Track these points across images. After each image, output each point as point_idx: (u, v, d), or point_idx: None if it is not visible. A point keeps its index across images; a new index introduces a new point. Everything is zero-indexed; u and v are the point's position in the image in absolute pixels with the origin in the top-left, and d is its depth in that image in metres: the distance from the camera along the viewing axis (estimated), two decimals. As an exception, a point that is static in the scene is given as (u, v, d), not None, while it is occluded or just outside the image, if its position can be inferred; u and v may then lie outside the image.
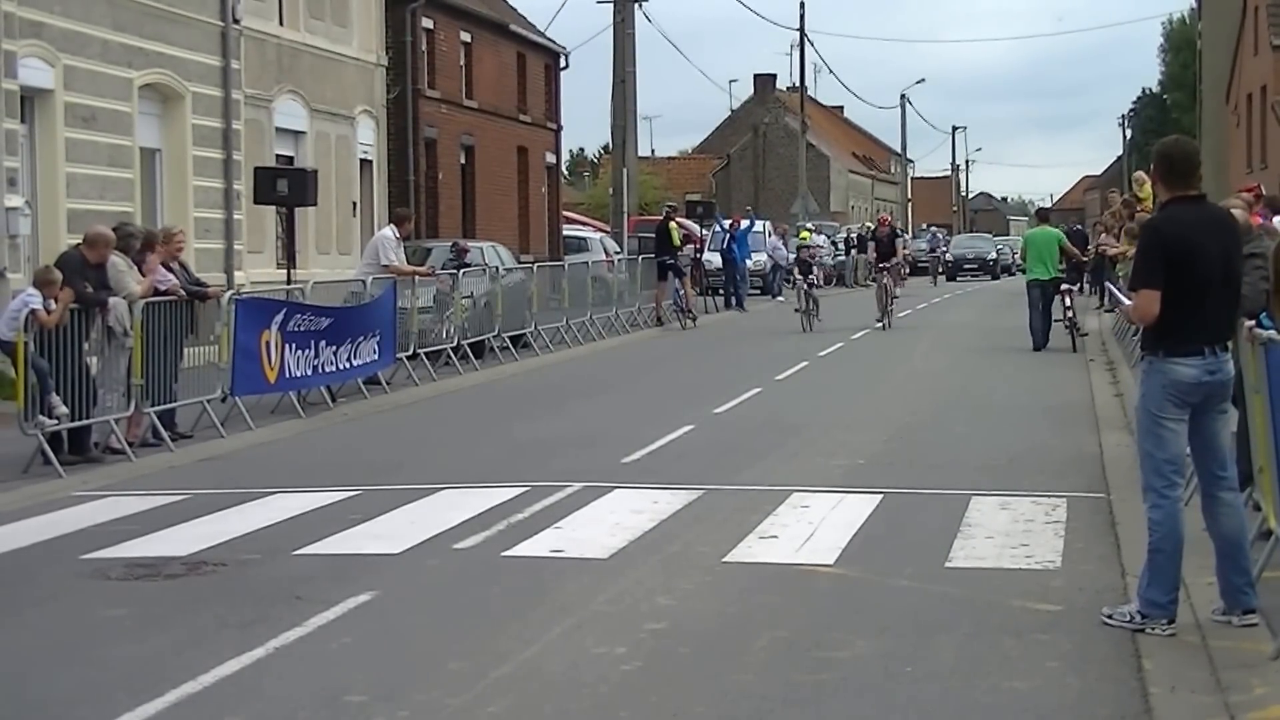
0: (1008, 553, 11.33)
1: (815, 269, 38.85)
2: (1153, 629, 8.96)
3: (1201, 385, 9.02)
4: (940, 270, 71.17)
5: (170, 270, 17.96)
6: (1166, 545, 9.05)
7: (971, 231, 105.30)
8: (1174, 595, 9.08)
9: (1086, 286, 43.43)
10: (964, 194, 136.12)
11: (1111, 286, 9.84)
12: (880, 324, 34.68)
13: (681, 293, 37.22)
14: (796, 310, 35.43)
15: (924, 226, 75.62)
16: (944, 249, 76.90)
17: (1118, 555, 11.15)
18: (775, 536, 12.00)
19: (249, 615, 9.79)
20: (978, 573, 10.75)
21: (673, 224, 37.84)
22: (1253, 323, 9.66)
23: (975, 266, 75.79)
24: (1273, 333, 9.22)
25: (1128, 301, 9.28)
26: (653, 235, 44.74)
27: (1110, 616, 9.18)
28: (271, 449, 17.74)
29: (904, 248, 52.31)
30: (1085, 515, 12.70)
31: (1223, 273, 9.02)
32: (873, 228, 54.83)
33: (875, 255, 37.24)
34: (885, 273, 35.66)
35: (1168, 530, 9.07)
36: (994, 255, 77.79)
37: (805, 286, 35.63)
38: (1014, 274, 72.17)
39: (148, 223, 25.11)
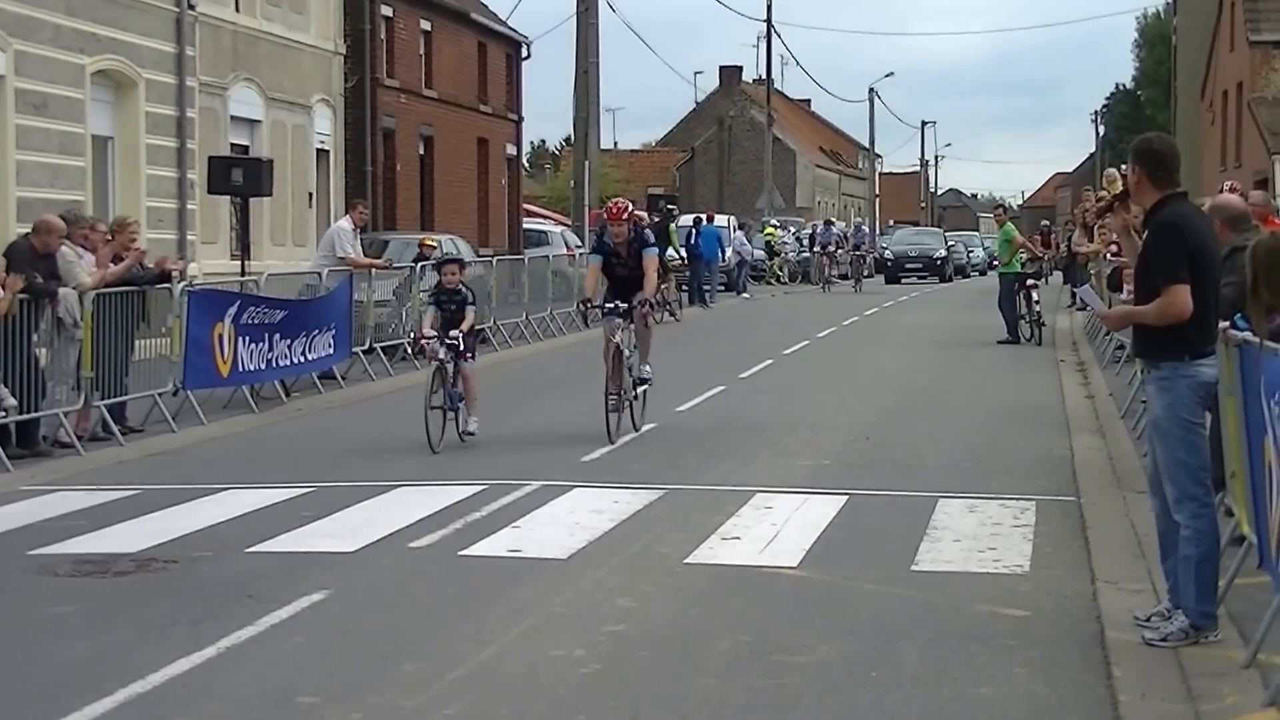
0: (975, 556, 11.22)
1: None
2: (1206, 638, 8.75)
3: (1215, 385, 8.99)
4: (868, 273, 60.50)
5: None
6: (1213, 553, 8.85)
7: (943, 229, 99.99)
8: (1217, 602, 8.93)
9: (1045, 281, 43.63)
10: (933, 190, 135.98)
11: (1086, 292, 9.58)
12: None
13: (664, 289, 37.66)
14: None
15: (828, 221, 60.66)
16: (871, 246, 65.36)
17: (1088, 560, 11.05)
18: (738, 538, 11.85)
19: (199, 614, 9.64)
20: (944, 576, 10.64)
21: (672, 225, 40.03)
22: (1227, 324, 9.55)
23: (919, 267, 64.04)
24: (1248, 334, 9.08)
25: (1103, 308, 9.10)
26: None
27: (1164, 639, 8.77)
28: (224, 444, 17.50)
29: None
30: (1055, 519, 12.59)
31: (1214, 271, 8.96)
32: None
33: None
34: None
35: (1214, 538, 8.88)
36: (943, 253, 65.84)
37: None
38: (970, 275, 71.65)
39: (99, 212, 24.81)
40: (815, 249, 57.32)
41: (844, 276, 57.95)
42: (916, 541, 11.64)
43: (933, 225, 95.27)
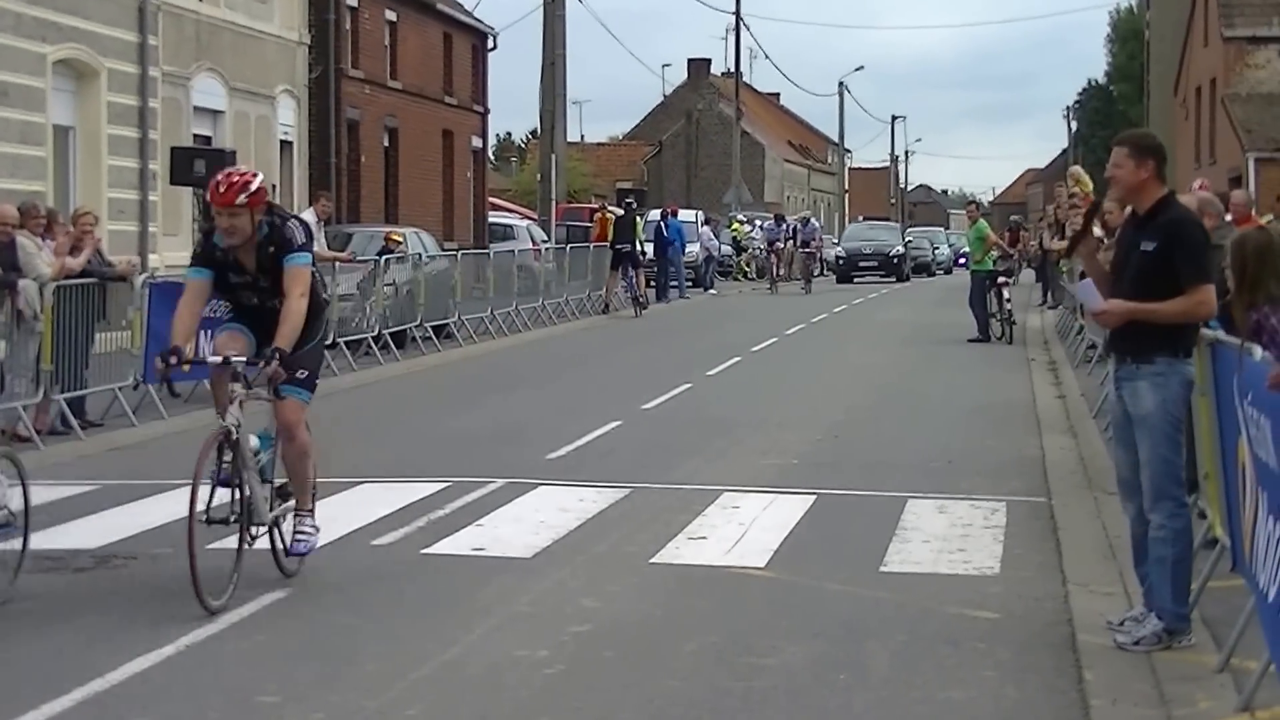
0: (945, 557, 11.13)
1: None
2: (1179, 642, 8.68)
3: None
4: (819, 272, 56.79)
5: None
6: (1189, 555, 8.81)
7: (912, 225, 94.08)
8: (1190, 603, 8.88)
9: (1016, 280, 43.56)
10: (903, 186, 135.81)
11: (1086, 288, 9.36)
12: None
13: (634, 281, 38.25)
14: None
15: (778, 217, 56.91)
16: (822, 243, 59.91)
17: (1059, 562, 10.98)
18: (704, 538, 11.75)
19: (159, 611, 9.52)
20: (913, 578, 10.56)
21: (637, 217, 39.96)
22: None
23: (874, 265, 59.95)
24: (1220, 332, 9.01)
25: (1102, 304, 8.92)
26: (582, 224, 44.49)
27: (1138, 642, 8.68)
28: (185, 439, 17.20)
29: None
30: (1025, 520, 12.50)
31: None
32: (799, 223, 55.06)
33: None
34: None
35: (1190, 539, 8.84)
36: (899, 250, 61.58)
37: None
38: (935, 274, 70.82)
39: (60, 203, 24.61)
40: (763, 247, 55.26)
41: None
42: (885, 542, 11.54)
43: (903, 222, 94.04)
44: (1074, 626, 9.21)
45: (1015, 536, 11.82)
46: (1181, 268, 8.70)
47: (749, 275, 57.56)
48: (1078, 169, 28.02)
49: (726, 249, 57.75)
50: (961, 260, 61.38)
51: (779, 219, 55.59)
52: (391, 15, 44.44)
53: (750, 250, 58.78)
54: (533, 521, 12.23)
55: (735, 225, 59.35)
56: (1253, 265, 8.18)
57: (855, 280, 57.70)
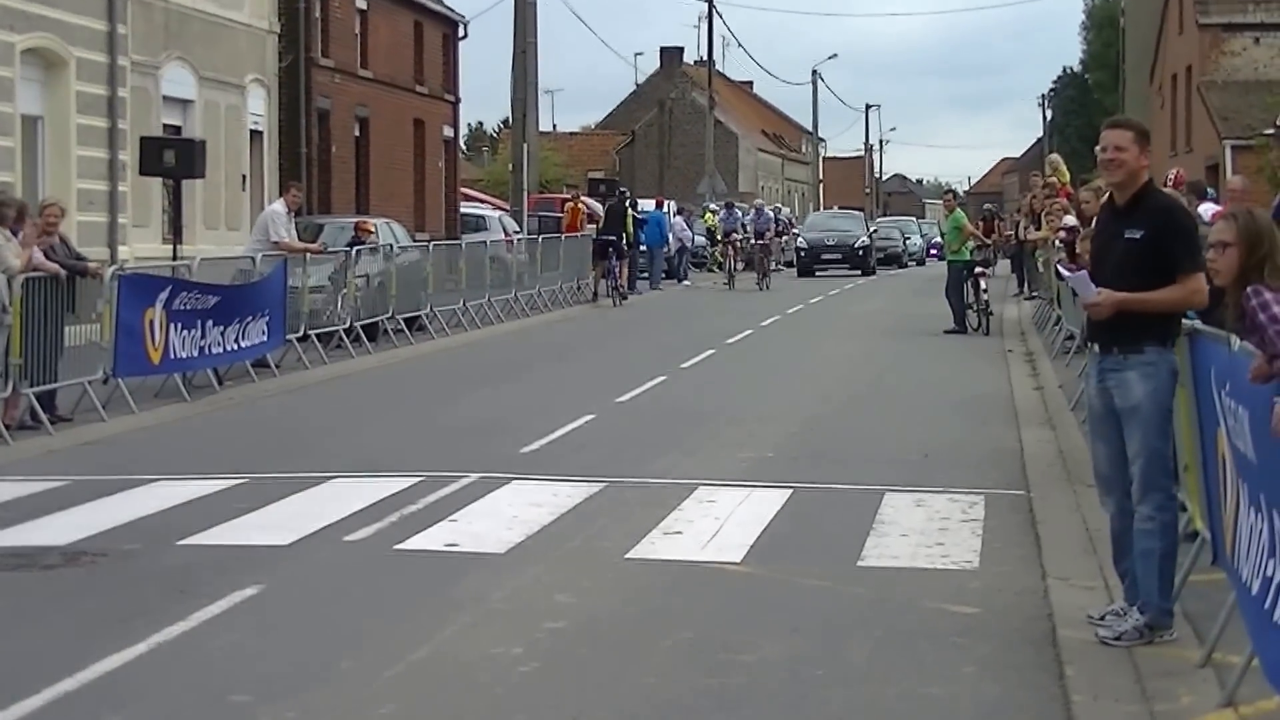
0: (923, 552, 11.05)
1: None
2: (1161, 637, 8.63)
3: None
4: (777, 265, 55.11)
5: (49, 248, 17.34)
6: (1175, 548, 8.74)
7: (888, 215, 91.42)
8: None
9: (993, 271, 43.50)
10: (877, 175, 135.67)
11: (1079, 279, 9.23)
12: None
13: (618, 272, 38.88)
14: None
15: (728, 204, 53.80)
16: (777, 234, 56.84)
17: (1038, 556, 10.91)
18: (680, 532, 11.65)
19: (130, 609, 9.42)
20: (891, 572, 10.48)
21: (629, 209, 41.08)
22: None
23: (838, 258, 56.88)
24: (1198, 322, 8.95)
25: (1095, 294, 8.80)
26: (554, 215, 44.42)
27: (1119, 637, 8.62)
28: (155, 433, 17.17)
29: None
30: (1004, 513, 12.41)
31: None
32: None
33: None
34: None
35: (1176, 532, 8.78)
36: (864, 241, 58.44)
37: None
38: (906, 265, 69.95)
39: (28, 194, 24.39)
40: (720, 239, 53.37)
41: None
42: (863, 536, 11.45)
43: (875, 211, 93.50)
44: (1054, 621, 9.15)
45: (994, 530, 11.73)
46: (1176, 256, 8.61)
47: (722, 267, 57.34)
48: (1056, 157, 27.88)
49: (700, 239, 57.50)
50: (934, 251, 61.24)
51: (729, 206, 53.08)
52: (362, 4, 44.18)
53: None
54: (506, 516, 12.11)
55: (708, 216, 59.14)
56: (1268, 240, 7.97)
57: (818, 274, 54.80)
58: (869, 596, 9.80)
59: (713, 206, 60.57)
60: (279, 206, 23.96)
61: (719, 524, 11.92)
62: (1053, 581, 10.05)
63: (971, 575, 10.37)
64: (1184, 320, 9.08)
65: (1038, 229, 29.20)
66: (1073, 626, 8.93)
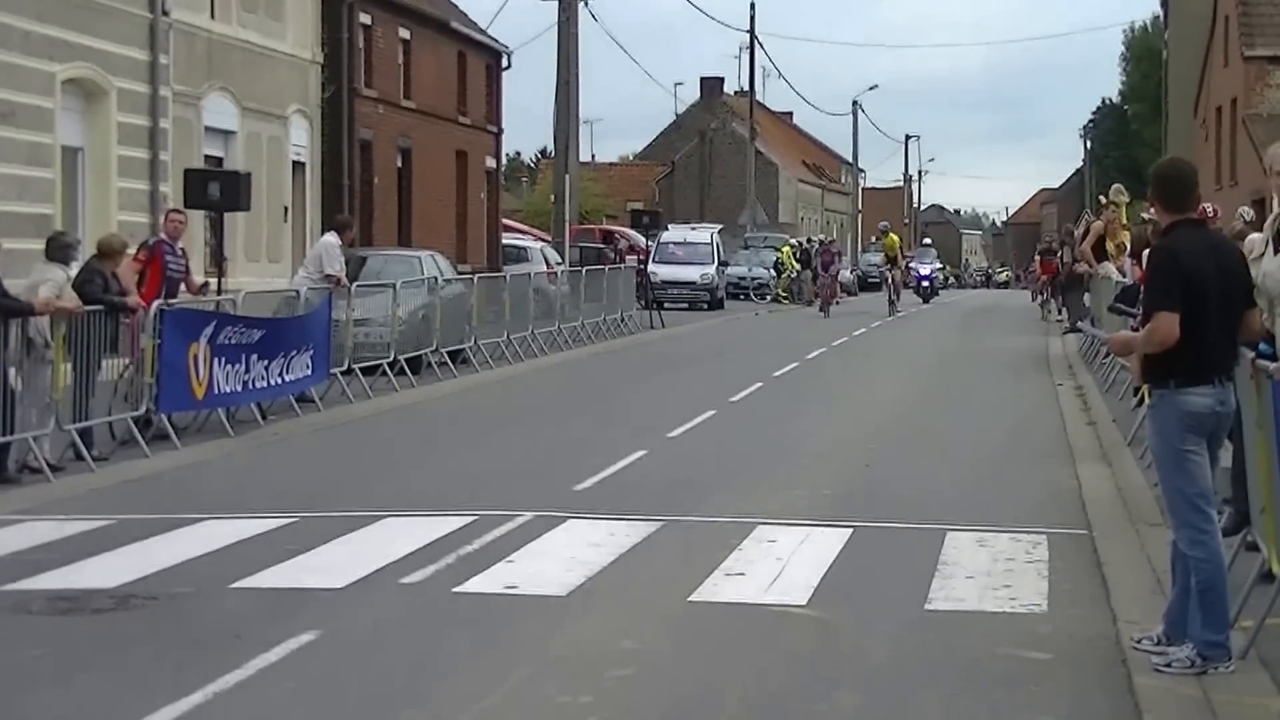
0: (990, 594, 10.79)
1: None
2: (1215, 669, 8.61)
3: (1213, 415, 8.83)
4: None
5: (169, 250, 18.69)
6: (1216, 581, 8.71)
7: (922, 245, 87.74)
8: (1228, 630, 8.78)
9: (1054, 305, 43.22)
10: (916, 206, 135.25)
11: (1090, 327, 9.37)
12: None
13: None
14: None
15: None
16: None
17: (1106, 598, 10.65)
18: (742, 574, 11.39)
19: (183, 656, 9.17)
20: (960, 616, 10.23)
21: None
22: (1253, 354, 9.27)
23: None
24: (1269, 364, 8.82)
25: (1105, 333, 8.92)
26: (594, 245, 44.31)
27: (1169, 665, 8.72)
28: (199, 470, 16.92)
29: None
30: (1068, 554, 12.15)
31: (1224, 300, 8.83)
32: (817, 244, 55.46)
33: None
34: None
35: (1215, 566, 8.73)
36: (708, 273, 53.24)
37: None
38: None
39: (69, 226, 24.29)
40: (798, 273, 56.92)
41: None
42: (928, 578, 11.19)
43: (920, 242, 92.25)
44: (1129, 668, 8.93)
45: (1060, 571, 11.49)
46: (1145, 296, 9.02)
47: (783, 298, 57.31)
48: (1119, 187, 27.51)
49: (762, 270, 58.42)
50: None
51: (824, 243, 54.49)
52: (405, 34, 44.08)
53: (788, 274, 58.31)
54: (564, 557, 11.86)
55: (785, 250, 59.21)
56: None
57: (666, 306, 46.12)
58: (939, 641, 9.55)
59: (791, 241, 61.44)
60: (332, 239, 23.73)
61: (781, 565, 11.66)
62: (1123, 625, 9.80)
63: (1041, 619, 10.14)
64: (1263, 361, 8.96)
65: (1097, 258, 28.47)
66: (1146, 674, 8.74)
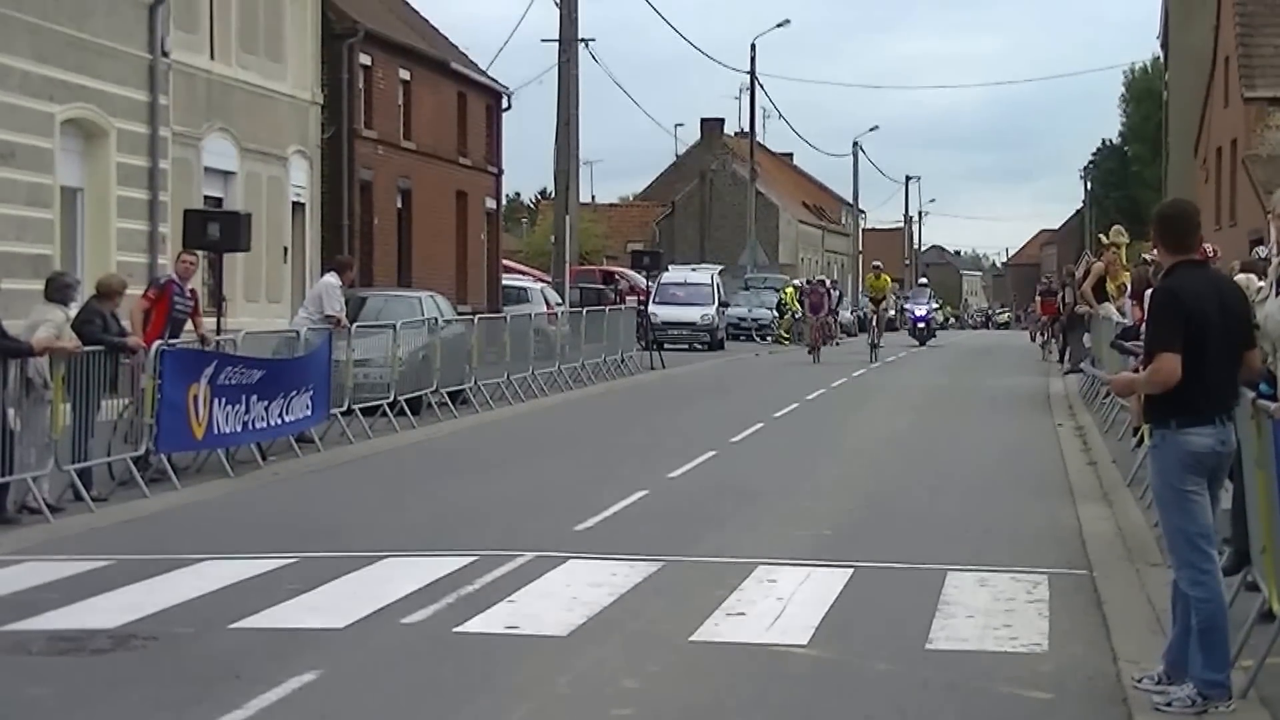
0: (991, 633, 10.80)
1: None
2: (1216, 708, 8.62)
3: (1214, 455, 8.86)
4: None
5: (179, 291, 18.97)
6: (1218, 620, 8.74)
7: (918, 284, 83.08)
8: (1229, 670, 8.80)
9: (1054, 345, 43.23)
10: (916, 246, 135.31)
11: (1091, 368, 9.42)
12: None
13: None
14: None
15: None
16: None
17: (1107, 638, 10.66)
18: (743, 613, 11.38)
19: (184, 696, 9.15)
20: (961, 655, 10.24)
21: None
22: (1254, 394, 9.28)
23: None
24: (1270, 404, 8.84)
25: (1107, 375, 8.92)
26: (594, 286, 44.31)
27: (1169, 705, 8.73)
28: (199, 510, 16.91)
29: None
30: (1068, 593, 12.16)
31: (1226, 340, 8.87)
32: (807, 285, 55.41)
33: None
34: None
35: (1216, 606, 8.76)
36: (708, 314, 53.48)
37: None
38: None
39: (67, 267, 24.29)
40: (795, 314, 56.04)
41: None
42: (929, 617, 11.20)
43: (917, 281, 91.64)
44: (1129, 707, 8.96)
45: (1060, 611, 11.49)
46: (1146, 336, 9.09)
47: (785, 339, 57.36)
48: (1120, 227, 27.56)
49: (764, 311, 58.36)
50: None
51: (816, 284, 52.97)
52: (405, 74, 44.16)
53: (790, 315, 58.35)
54: (565, 597, 11.85)
55: (789, 291, 59.25)
56: None
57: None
58: (940, 681, 9.55)
59: (795, 282, 61.49)
60: (333, 279, 23.73)
61: (782, 604, 11.65)
62: (1124, 664, 9.81)
63: (1042, 658, 10.14)
64: (1264, 401, 8.98)
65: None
66: (1147, 712, 8.77)
